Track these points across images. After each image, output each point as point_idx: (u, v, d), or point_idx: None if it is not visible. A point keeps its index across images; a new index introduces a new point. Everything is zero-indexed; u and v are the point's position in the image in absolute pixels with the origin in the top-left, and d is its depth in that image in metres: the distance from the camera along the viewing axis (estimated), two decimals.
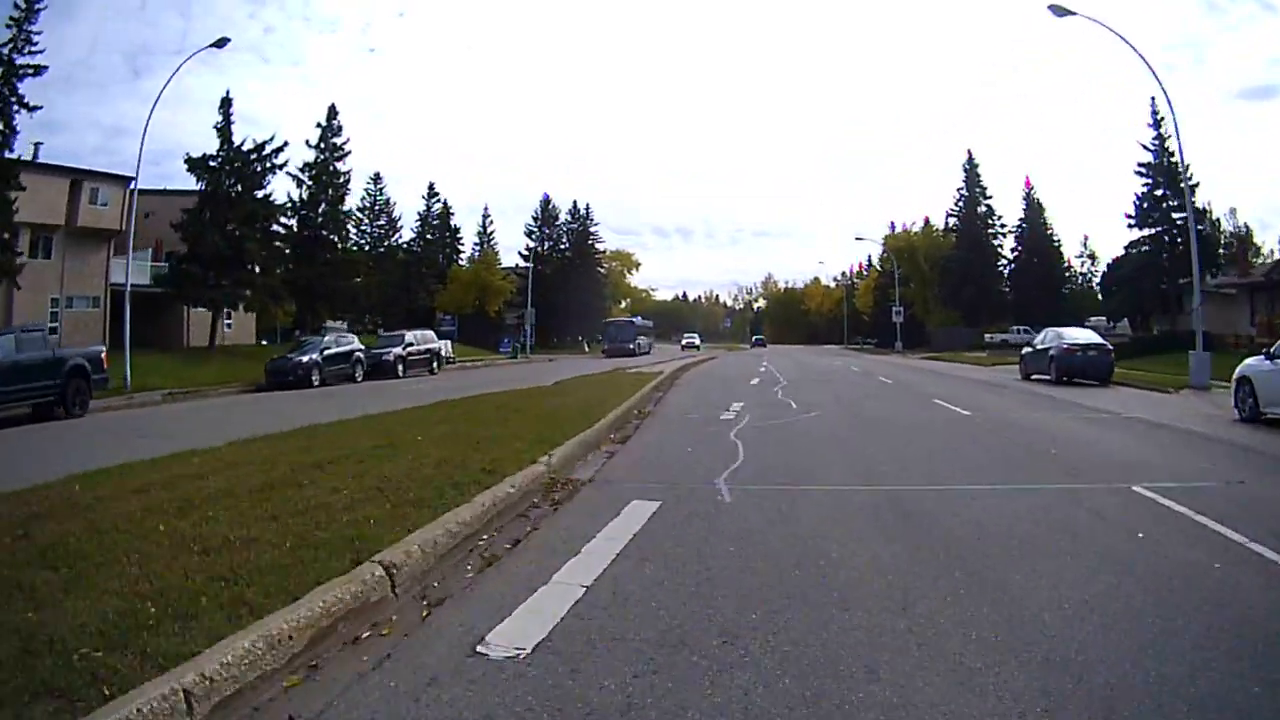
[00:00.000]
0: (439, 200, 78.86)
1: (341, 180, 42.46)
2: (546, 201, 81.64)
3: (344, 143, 42.29)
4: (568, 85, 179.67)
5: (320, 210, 40.84)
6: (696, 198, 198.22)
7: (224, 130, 34.40)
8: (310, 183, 40.47)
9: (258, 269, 34.94)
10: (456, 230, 79.48)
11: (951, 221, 66.49)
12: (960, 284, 60.29)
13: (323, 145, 41.51)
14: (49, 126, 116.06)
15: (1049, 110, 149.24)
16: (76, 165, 33.20)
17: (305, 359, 24.90)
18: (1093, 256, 76.42)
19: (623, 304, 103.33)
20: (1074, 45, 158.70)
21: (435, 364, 32.98)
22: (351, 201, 49.13)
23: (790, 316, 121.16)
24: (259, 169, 35.34)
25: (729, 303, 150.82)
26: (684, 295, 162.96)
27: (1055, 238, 63.43)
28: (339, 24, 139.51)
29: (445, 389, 19.10)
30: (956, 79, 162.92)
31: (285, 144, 35.94)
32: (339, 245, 43.20)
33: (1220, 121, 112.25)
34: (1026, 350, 24.31)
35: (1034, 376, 22.32)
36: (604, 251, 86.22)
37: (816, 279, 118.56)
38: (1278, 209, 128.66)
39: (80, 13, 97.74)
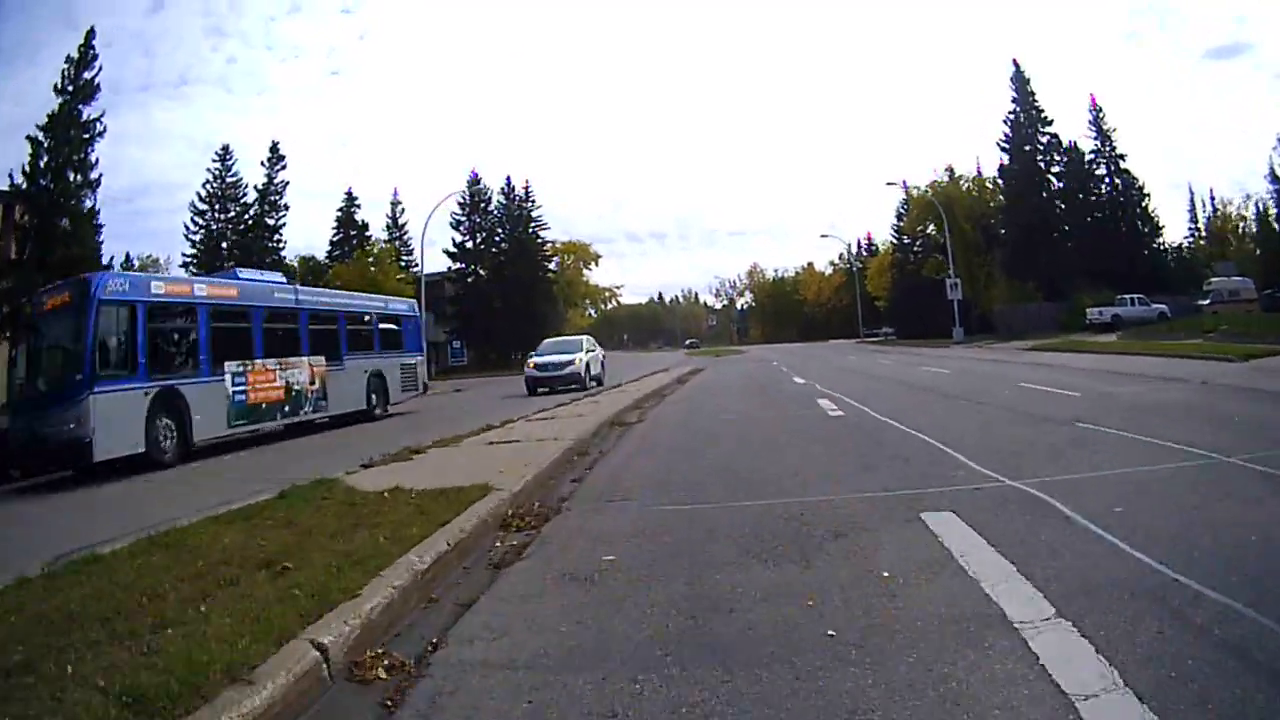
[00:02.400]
0: (357, 206, 62.99)
1: None
2: (475, 182, 64.82)
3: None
4: (533, 93, 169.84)
5: None
6: (668, 200, 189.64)
7: None
8: None
9: None
10: (365, 226, 62.93)
11: (991, 170, 50.67)
12: (1028, 246, 43.84)
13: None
14: None
15: None
16: None
17: None
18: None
19: (587, 309, 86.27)
20: None
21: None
22: None
23: (782, 310, 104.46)
24: None
25: (710, 301, 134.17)
26: (659, 297, 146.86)
27: (1137, 180, 47.06)
28: (302, 51, 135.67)
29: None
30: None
31: None
32: None
33: None
34: None
35: None
36: (551, 244, 69.25)
37: (810, 265, 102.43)
38: None
39: (44, 59, 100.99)
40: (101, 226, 32.31)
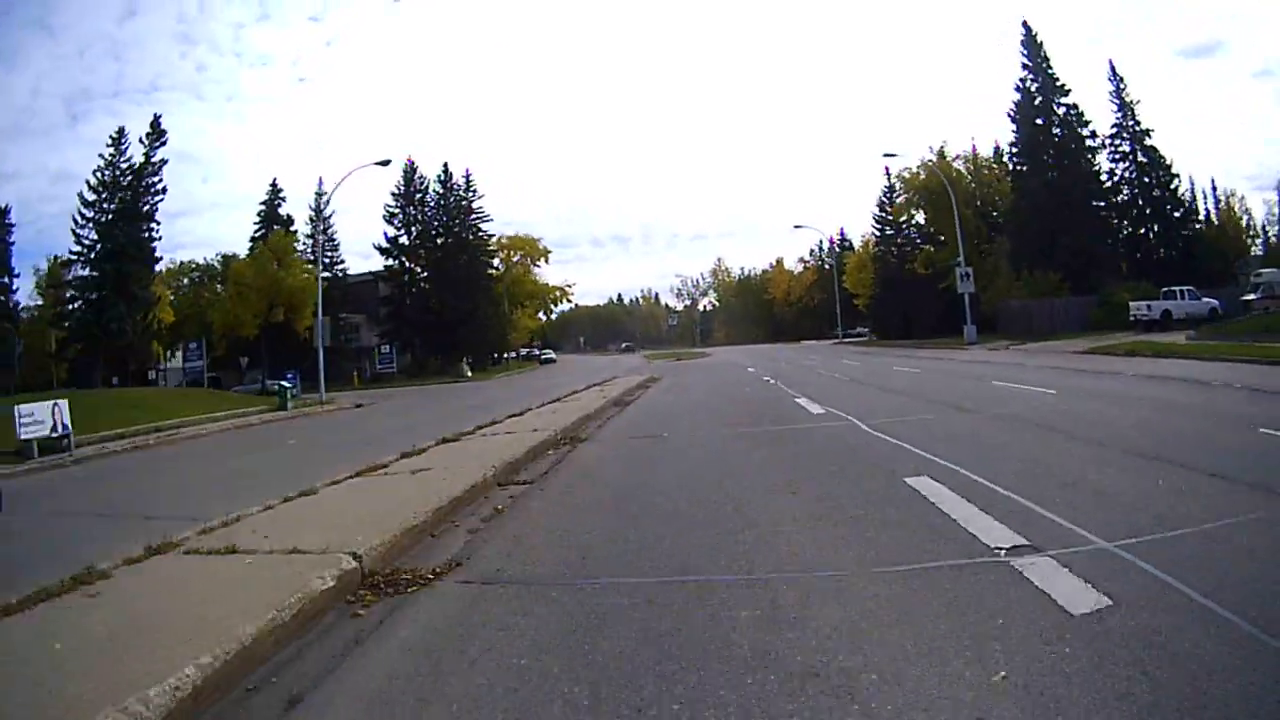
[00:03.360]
0: (282, 199, 55.08)
1: None
2: (411, 171, 57.07)
3: None
4: (497, 98, 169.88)
5: None
6: (631, 204, 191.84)
7: None
8: None
9: None
10: (289, 221, 54.90)
11: (989, 151, 44.72)
12: (1043, 233, 37.80)
13: None
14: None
15: None
16: None
17: None
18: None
19: (539, 312, 78.70)
20: None
21: None
22: None
23: (750, 310, 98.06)
24: None
25: (671, 303, 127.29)
26: (619, 298, 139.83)
27: (1164, 159, 41.36)
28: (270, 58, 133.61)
29: None
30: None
31: None
32: None
33: None
34: None
35: None
36: (495, 238, 61.80)
37: (780, 261, 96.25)
38: None
39: (22, 62, 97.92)
40: None
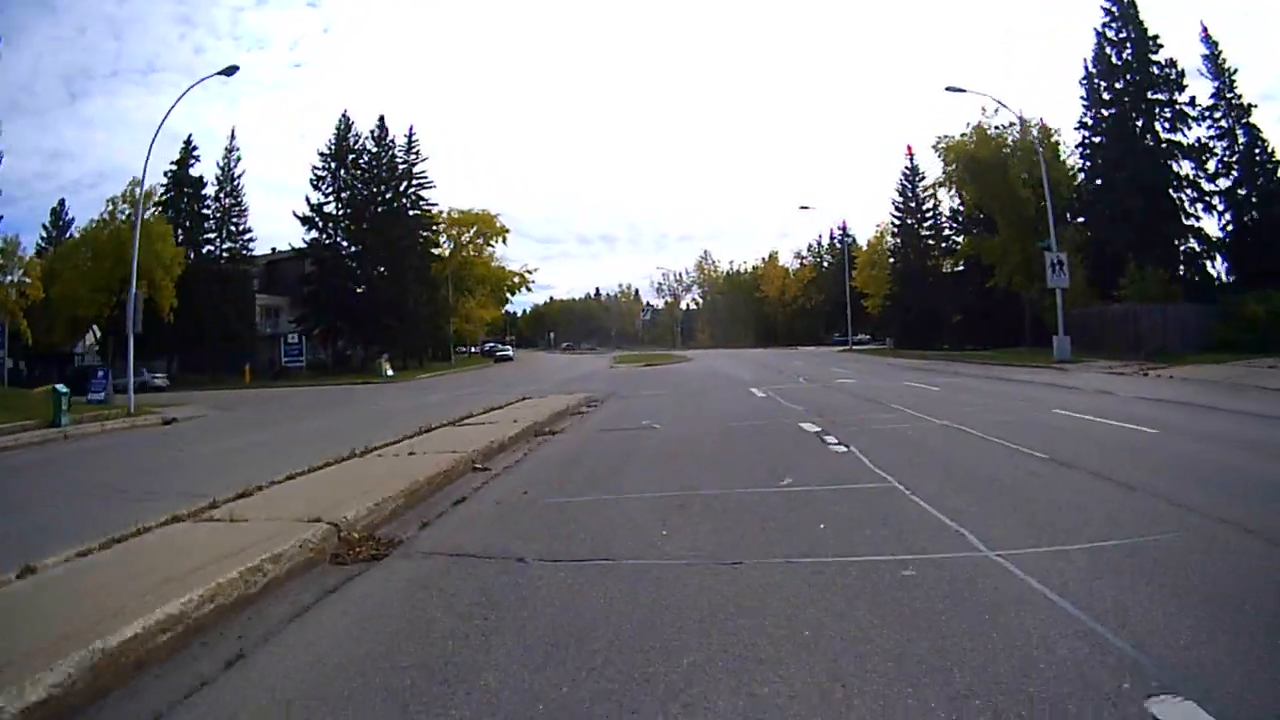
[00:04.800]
0: (195, 157, 44.88)
1: None
2: (345, 127, 47.18)
3: None
4: (491, 89, 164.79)
5: None
6: (618, 203, 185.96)
7: None
8: None
9: None
10: (199, 182, 44.68)
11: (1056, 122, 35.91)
12: (1139, 224, 28.96)
13: None
14: None
15: None
16: None
17: None
18: None
19: (499, 302, 68.69)
20: None
21: None
22: None
23: (739, 310, 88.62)
24: None
25: (652, 301, 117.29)
26: (596, 293, 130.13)
27: (1266, 140, 32.45)
28: (267, 42, 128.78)
29: None
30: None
31: None
32: None
33: None
34: None
35: None
36: (438, 210, 51.73)
37: (773, 255, 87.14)
38: None
39: (24, 40, 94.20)
40: None
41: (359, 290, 45.01)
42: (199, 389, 33.05)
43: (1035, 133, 33.71)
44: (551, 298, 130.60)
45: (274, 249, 50.98)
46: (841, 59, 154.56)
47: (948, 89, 28.20)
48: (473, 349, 77.14)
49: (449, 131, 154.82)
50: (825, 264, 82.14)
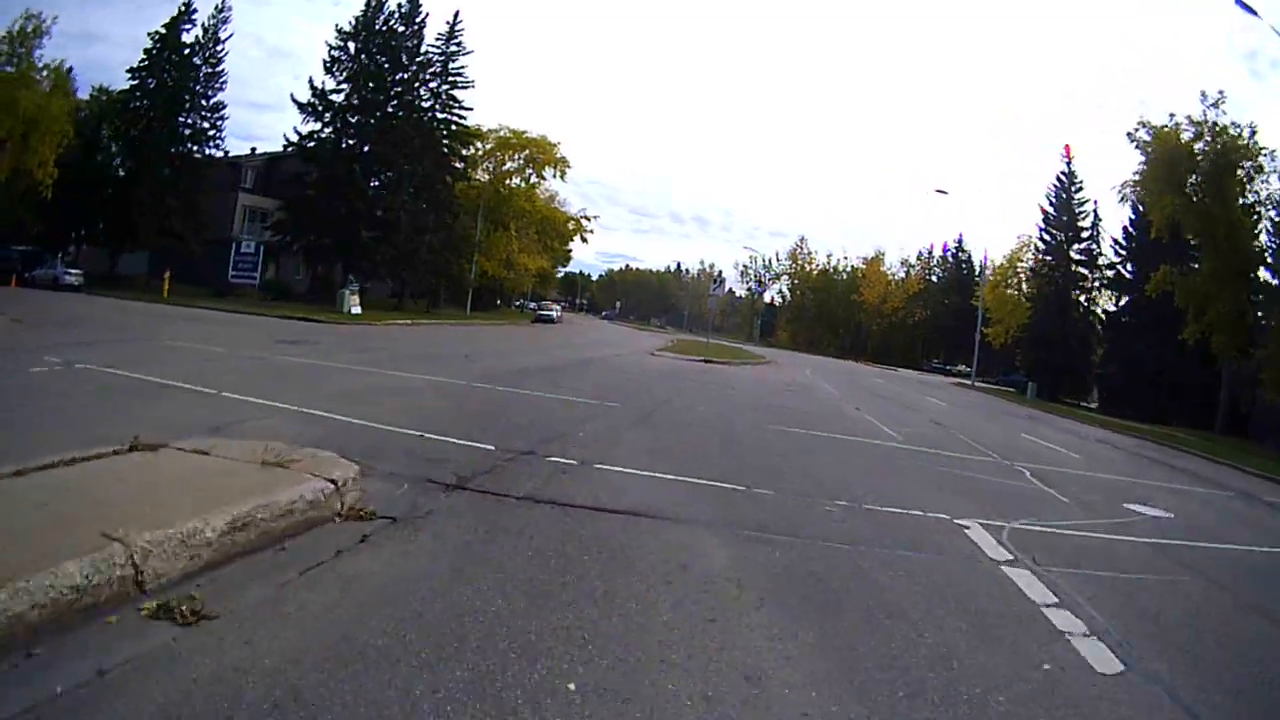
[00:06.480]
0: (191, 22, 37.69)
1: None
2: (378, 2, 38.65)
3: None
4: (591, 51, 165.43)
5: None
6: (718, 187, 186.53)
7: None
8: None
9: None
10: (193, 46, 37.22)
11: None
12: None
13: None
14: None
15: None
16: None
17: None
18: None
19: (560, 250, 59.45)
20: None
21: None
22: None
23: (829, 312, 76.38)
24: None
25: (735, 288, 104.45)
26: (677, 267, 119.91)
27: None
28: None
29: None
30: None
31: None
32: None
33: None
34: None
35: None
36: (470, 121, 42.50)
37: (878, 256, 74.64)
38: None
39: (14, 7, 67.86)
40: None
41: (354, 202, 36.65)
42: (110, 294, 26.57)
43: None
44: (628, 265, 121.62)
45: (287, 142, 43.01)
46: (968, 65, 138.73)
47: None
48: (517, 303, 68.83)
49: (545, 85, 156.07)
50: (934, 278, 69.76)
